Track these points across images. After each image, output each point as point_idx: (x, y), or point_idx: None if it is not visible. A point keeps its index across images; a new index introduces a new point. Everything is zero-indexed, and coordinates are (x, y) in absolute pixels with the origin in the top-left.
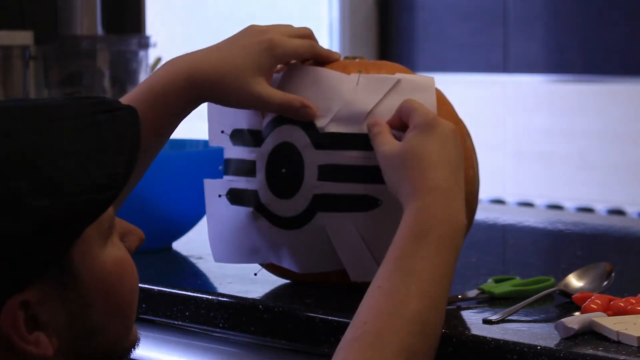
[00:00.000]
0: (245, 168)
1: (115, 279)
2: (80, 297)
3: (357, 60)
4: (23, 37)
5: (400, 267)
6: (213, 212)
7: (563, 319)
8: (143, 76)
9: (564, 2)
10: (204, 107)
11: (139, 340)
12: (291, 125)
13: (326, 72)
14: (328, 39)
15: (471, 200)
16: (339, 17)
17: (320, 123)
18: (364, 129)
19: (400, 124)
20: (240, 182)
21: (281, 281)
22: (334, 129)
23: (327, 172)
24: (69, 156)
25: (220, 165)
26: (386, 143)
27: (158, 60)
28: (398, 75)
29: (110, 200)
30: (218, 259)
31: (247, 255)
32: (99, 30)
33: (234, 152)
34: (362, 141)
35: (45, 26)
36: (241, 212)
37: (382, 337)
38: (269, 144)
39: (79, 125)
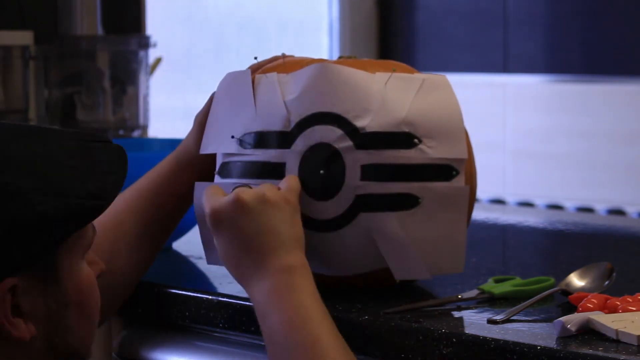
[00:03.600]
0: (269, 170)
1: (87, 288)
2: (59, 295)
3: (351, 59)
4: (23, 37)
5: (272, 345)
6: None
7: (561, 318)
8: (143, 76)
9: (564, 2)
10: None
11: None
12: (326, 126)
13: (354, 72)
14: (328, 39)
15: (474, 197)
16: (339, 17)
17: (360, 123)
18: (402, 128)
19: None
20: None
21: None
22: (374, 128)
23: (371, 172)
24: (70, 168)
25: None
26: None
27: (158, 60)
28: (419, 75)
29: (99, 209)
30: (211, 261)
31: None
32: (99, 30)
33: (249, 155)
34: (401, 140)
35: (45, 26)
36: None
37: None
38: (300, 145)
39: (78, 146)
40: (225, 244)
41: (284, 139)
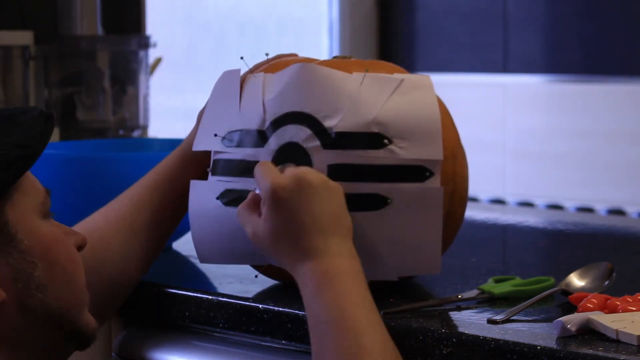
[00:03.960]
0: (245, 168)
1: (52, 243)
2: (21, 253)
3: (347, 59)
4: (23, 37)
5: (316, 331)
6: (202, 213)
7: (561, 318)
8: (143, 76)
9: (564, 2)
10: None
11: (96, 328)
12: (297, 125)
13: (330, 72)
14: (328, 39)
15: (465, 197)
16: (339, 17)
17: (328, 123)
18: (371, 129)
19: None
20: (239, 183)
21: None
22: (342, 128)
23: (337, 172)
24: None
25: (208, 167)
26: (249, 223)
27: (158, 60)
28: (399, 75)
29: (28, 158)
30: (204, 259)
31: (240, 256)
32: (99, 30)
33: (230, 153)
34: (370, 140)
35: (45, 26)
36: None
37: None
38: (272, 143)
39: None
40: (281, 223)
41: (259, 137)
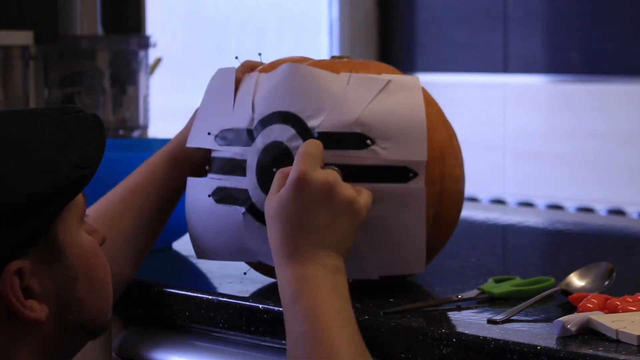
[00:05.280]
0: (235, 167)
1: (92, 257)
2: (66, 269)
3: (344, 60)
4: (23, 37)
5: (292, 339)
6: (197, 210)
7: (561, 318)
8: (143, 76)
9: (564, 2)
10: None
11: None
12: (282, 125)
13: (317, 72)
14: (328, 39)
15: (458, 198)
16: (339, 17)
17: (312, 123)
18: (354, 129)
19: None
20: (229, 181)
21: None
22: (325, 128)
23: None
24: (49, 144)
25: (207, 166)
26: (272, 188)
27: (158, 60)
28: (386, 76)
29: (86, 178)
30: (201, 255)
31: (233, 253)
32: (99, 30)
33: (222, 151)
34: (353, 140)
35: (45, 26)
36: (229, 210)
37: None
38: (259, 143)
39: (52, 121)
40: (288, 211)
41: (247, 136)
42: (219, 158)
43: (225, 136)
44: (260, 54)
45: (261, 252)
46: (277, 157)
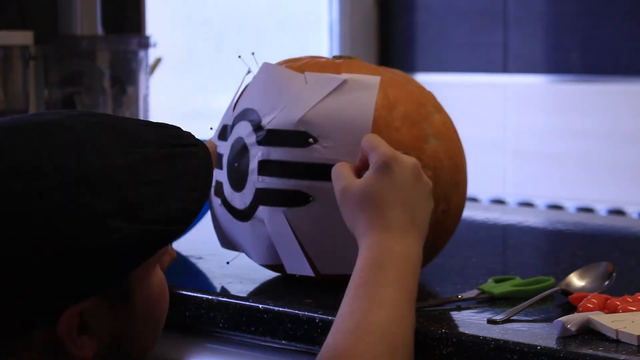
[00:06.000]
0: (218, 161)
1: (158, 299)
2: (128, 311)
3: (341, 60)
4: (23, 37)
5: (361, 293)
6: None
7: (561, 318)
8: (143, 76)
9: (564, 2)
10: (202, 109)
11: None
12: (245, 122)
13: (279, 71)
14: (328, 39)
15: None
16: (339, 17)
17: (265, 120)
18: (298, 127)
19: (365, 162)
20: (218, 176)
21: (281, 281)
22: (274, 126)
23: (266, 167)
24: (150, 185)
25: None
26: (344, 178)
27: (158, 60)
28: (344, 76)
29: (180, 233)
30: (223, 244)
31: (227, 242)
32: (99, 30)
33: (217, 146)
34: (297, 138)
35: (45, 26)
36: (216, 202)
37: (351, 356)
38: (229, 139)
39: (159, 155)
40: (379, 189)
41: (226, 132)
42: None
43: (221, 131)
44: (253, 53)
45: (240, 244)
46: (238, 153)
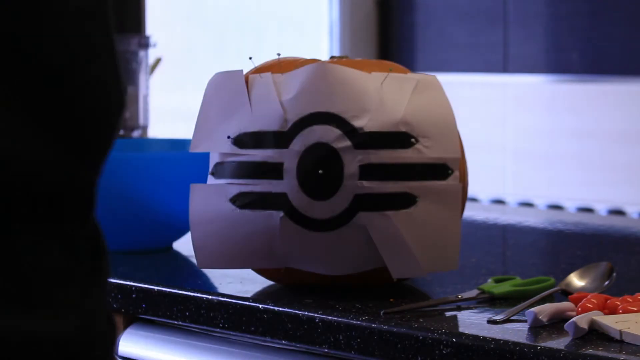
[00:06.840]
0: (266, 170)
1: None
2: None
3: (343, 59)
4: None
5: None
6: (207, 217)
7: (574, 319)
8: (143, 76)
9: (564, 2)
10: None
11: None
12: (324, 126)
13: (352, 72)
14: (328, 39)
15: (466, 195)
16: (339, 17)
17: (358, 123)
18: (400, 128)
19: None
20: (258, 186)
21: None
22: (372, 128)
23: (369, 172)
24: None
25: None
26: None
27: (158, 60)
28: (412, 75)
29: None
30: (204, 264)
31: (244, 259)
32: None
33: (245, 155)
34: (399, 139)
35: None
36: (258, 215)
37: None
38: (298, 144)
39: None
40: None
41: (281, 138)
42: (239, 162)
43: (244, 140)
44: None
45: (294, 256)
46: (322, 159)
